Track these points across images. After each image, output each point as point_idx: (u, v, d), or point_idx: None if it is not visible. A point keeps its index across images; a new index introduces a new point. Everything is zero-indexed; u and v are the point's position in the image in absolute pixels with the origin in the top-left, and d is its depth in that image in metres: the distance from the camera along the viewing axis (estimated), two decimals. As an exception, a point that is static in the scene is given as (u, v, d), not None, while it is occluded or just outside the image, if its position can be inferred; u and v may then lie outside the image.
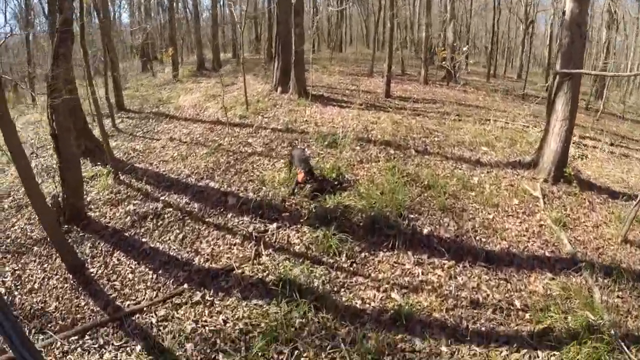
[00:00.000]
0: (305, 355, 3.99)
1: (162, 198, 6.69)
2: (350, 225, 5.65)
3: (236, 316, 4.45)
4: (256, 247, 5.41)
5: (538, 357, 4.06)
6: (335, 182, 6.58)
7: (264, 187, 6.55)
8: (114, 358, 4.19)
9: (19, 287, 5.42)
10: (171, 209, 6.36)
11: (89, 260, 5.66)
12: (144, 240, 5.84)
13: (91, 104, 7.67)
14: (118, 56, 16.27)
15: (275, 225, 5.79)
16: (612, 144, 9.82)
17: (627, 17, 20.59)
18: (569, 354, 3.99)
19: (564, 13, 7.00)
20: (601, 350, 3.94)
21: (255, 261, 5.21)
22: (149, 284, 5.11)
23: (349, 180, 6.68)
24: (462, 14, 24.52)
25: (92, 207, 6.80)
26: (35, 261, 5.83)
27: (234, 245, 5.51)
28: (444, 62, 15.66)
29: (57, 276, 5.46)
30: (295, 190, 6.33)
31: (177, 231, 5.90)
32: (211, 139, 8.77)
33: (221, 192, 6.58)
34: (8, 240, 6.32)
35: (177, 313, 4.58)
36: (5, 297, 5.15)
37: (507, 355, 4.07)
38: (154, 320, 4.54)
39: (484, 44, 30.49)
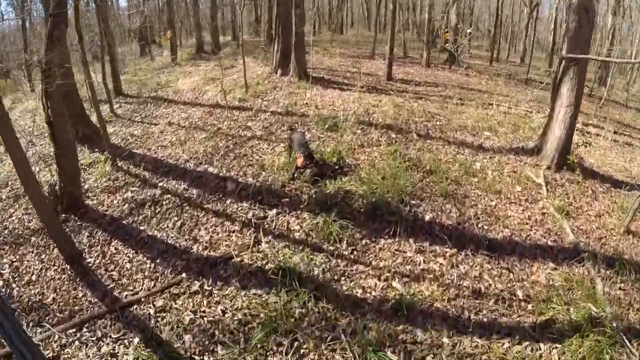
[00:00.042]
0: (305, 346, 3.94)
1: (161, 184, 6.57)
2: (351, 211, 5.55)
3: (235, 306, 4.39)
4: (255, 234, 5.30)
5: (540, 349, 4.02)
6: (336, 167, 6.46)
7: (263, 172, 6.42)
8: (111, 351, 4.14)
9: (16, 279, 5.35)
10: (169, 196, 6.25)
11: (86, 250, 5.57)
12: (141, 228, 5.74)
13: (88, 90, 7.43)
14: (116, 40, 16.02)
15: (274, 211, 5.68)
16: (615, 132, 9.68)
17: (633, 3, 20.14)
18: (571, 347, 3.94)
19: (571, -3, 6.80)
20: (603, 343, 3.89)
21: (254, 249, 5.11)
22: (146, 273, 5.02)
23: (350, 165, 6.55)
24: (465, -4, 23.98)
25: (90, 195, 6.69)
26: (32, 252, 5.75)
27: (233, 232, 5.41)
28: (447, 45, 15.33)
29: (55, 267, 5.39)
30: (295, 175, 6.20)
31: (176, 218, 5.80)
32: (210, 123, 8.61)
33: (220, 177, 6.45)
34: (6, 232, 6.22)
35: (175, 303, 4.51)
36: (3, 290, 5.10)
37: (509, 347, 4.03)
38: (151, 311, 4.47)
39: (487, 28, 29.95)
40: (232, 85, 10.78)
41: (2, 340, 3.73)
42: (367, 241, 5.22)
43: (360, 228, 5.35)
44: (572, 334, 4.04)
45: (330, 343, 3.97)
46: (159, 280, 4.89)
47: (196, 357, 3.94)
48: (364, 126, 7.89)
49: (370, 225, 5.41)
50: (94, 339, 4.29)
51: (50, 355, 4.15)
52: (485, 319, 4.30)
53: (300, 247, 5.09)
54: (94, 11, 13.62)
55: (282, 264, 4.76)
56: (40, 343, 4.23)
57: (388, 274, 4.76)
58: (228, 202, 5.93)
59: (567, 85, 6.87)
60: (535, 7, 20.40)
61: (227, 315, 4.30)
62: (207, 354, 3.95)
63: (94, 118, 8.45)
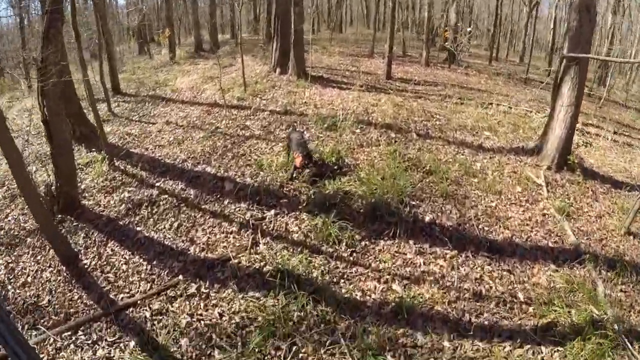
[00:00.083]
0: (303, 350, 3.86)
1: (158, 184, 6.49)
2: (351, 212, 5.48)
3: (232, 309, 4.31)
4: (253, 236, 5.23)
5: (542, 352, 3.96)
6: (335, 167, 6.39)
7: (261, 172, 6.35)
8: (107, 355, 4.05)
9: (12, 280, 5.26)
10: (166, 196, 6.17)
11: (82, 251, 5.49)
12: (138, 229, 5.66)
13: (85, 89, 7.36)
14: (114, 39, 15.98)
15: (273, 212, 5.61)
16: (615, 132, 9.64)
17: (633, 2, 20.09)
18: (572, 350, 3.89)
19: (573, -5, 6.75)
20: (605, 346, 3.84)
21: (252, 250, 5.04)
22: (143, 275, 4.94)
23: (349, 165, 6.48)
24: (465, -5, 23.88)
25: (87, 195, 6.61)
26: (28, 253, 5.66)
27: (231, 233, 5.33)
28: (446, 43, 15.28)
29: (51, 268, 5.30)
30: (294, 175, 6.13)
31: (172, 219, 5.72)
32: (208, 122, 8.54)
33: (218, 177, 6.37)
34: (1, 232, 6.11)
35: (172, 306, 4.43)
36: (-1, 292, 5.02)
37: (511, 350, 3.97)
38: (148, 314, 4.39)
39: (486, 27, 29.91)
40: (231, 84, 10.72)
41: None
42: (367, 243, 5.15)
43: (360, 229, 5.28)
44: (574, 336, 3.98)
45: (330, 347, 3.89)
46: (155, 282, 4.81)
47: (193, 362, 3.88)
48: (363, 125, 7.83)
49: (370, 226, 5.34)
50: (89, 342, 4.21)
51: (46, 358, 4.08)
52: (486, 322, 4.24)
53: (299, 249, 5.01)
54: (92, 9, 13.55)
55: (280, 266, 4.68)
56: (35, 346, 4.15)
57: (388, 276, 4.70)
58: (226, 202, 5.86)
59: (567, 85, 6.83)
60: (534, 6, 20.32)
61: (224, 318, 4.22)
62: (204, 358, 3.87)
63: (91, 117, 8.34)
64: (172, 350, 3.96)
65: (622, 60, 14.60)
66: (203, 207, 5.84)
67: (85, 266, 5.23)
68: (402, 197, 5.67)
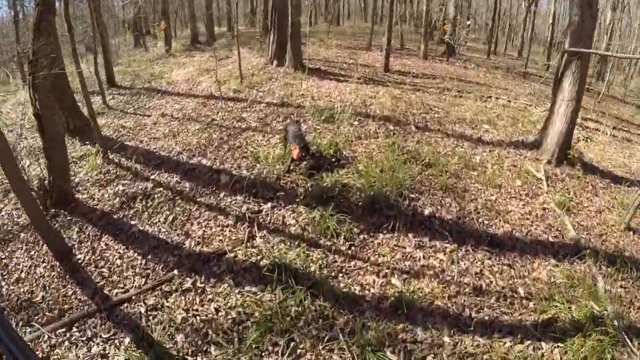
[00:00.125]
0: (301, 346, 3.78)
1: (152, 177, 6.36)
2: (349, 205, 5.38)
3: (229, 304, 4.21)
4: (249, 229, 5.12)
5: (542, 348, 3.91)
6: (333, 159, 6.29)
7: (258, 165, 6.24)
8: (102, 352, 3.95)
9: (5, 276, 5.15)
10: (161, 189, 6.04)
11: (76, 246, 5.37)
12: (132, 222, 5.54)
13: (79, 81, 7.21)
14: (109, 31, 15.80)
15: (269, 205, 5.50)
16: (614, 128, 9.59)
17: (632, -1, 20.02)
18: (573, 346, 3.84)
19: (574, -10, 6.65)
20: (605, 343, 3.79)
21: (248, 244, 4.93)
22: (137, 270, 4.83)
23: (347, 157, 6.38)
24: (464, -12, 23.71)
25: (80, 188, 6.47)
26: (22, 248, 5.53)
27: (226, 226, 5.22)
28: (446, 36, 15.15)
29: (44, 264, 5.19)
30: (291, 168, 6.03)
31: (167, 212, 5.59)
32: (204, 114, 8.40)
33: (213, 169, 6.25)
34: (-5, 228, 5.98)
35: (167, 302, 4.33)
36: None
37: (511, 346, 3.91)
38: (142, 310, 4.28)
39: (485, 21, 29.77)
40: (227, 76, 10.57)
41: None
42: (365, 236, 5.06)
43: (358, 222, 5.19)
44: (574, 333, 3.93)
45: (328, 343, 3.81)
46: (150, 277, 4.70)
47: (189, 358, 3.76)
48: (361, 118, 7.73)
49: (369, 219, 5.25)
50: (84, 339, 4.11)
51: (41, 356, 3.97)
52: (486, 317, 4.18)
53: (296, 243, 4.91)
54: (86, 1, 13.37)
55: (277, 260, 4.58)
56: (30, 343, 4.05)
57: (387, 270, 4.62)
58: (221, 195, 5.74)
59: (568, 80, 6.78)
60: (533, 1, 20.21)
61: (220, 313, 4.12)
62: (200, 354, 3.78)
63: (85, 110, 8.21)
64: (167, 346, 3.86)
65: (624, 55, 14.47)
66: (198, 200, 5.72)
67: (79, 261, 5.11)
68: (401, 190, 5.59)
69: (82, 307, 4.49)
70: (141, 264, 4.90)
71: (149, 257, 4.95)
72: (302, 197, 5.54)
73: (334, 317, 4.05)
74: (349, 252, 4.85)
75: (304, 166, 5.98)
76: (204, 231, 5.20)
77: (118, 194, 6.13)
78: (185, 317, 4.12)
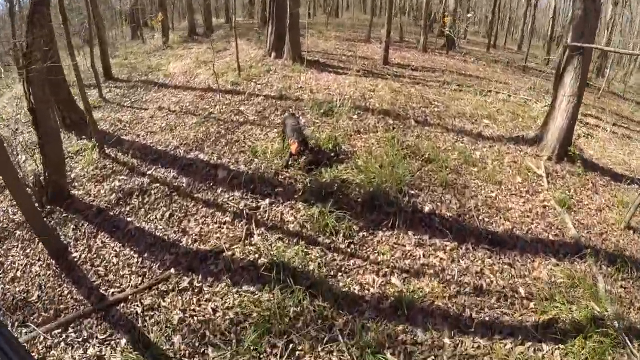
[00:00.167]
0: (300, 348, 3.72)
1: (149, 173, 6.25)
2: (348, 202, 5.30)
3: (226, 305, 4.13)
4: (247, 226, 5.03)
5: (543, 350, 3.87)
6: (332, 154, 6.19)
7: (256, 159, 6.14)
8: (98, 353, 3.89)
9: (1, 275, 5.07)
10: (158, 185, 5.94)
11: (72, 244, 5.27)
12: (129, 219, 5.44)
13: (75, 75, 7.05)
14: (107, 24, 15.60)
15: (268, 201, 5.41)
16: (614, 124, 9.54)
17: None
18: (574, 348, 3.80)
19: (578, -16, 6.54)
20: (606, 345, 3.76)
21: (246, 242, 4.85)
22: (134, 269, 4.75)
23: (347, 152, 6.29)
24: (464, -19, 23.45)
25: (77, 184, 6.35)
26: (17, 246, 5.44)
27: (224, 224, 5.13)
28: (446, 29, 14.98)
29: (40, 262, 5.09)
30: (290, 163, 5.93)
31: (164, 209, 5.49)
32: (202, 107, 8.27)
33: (211, 165, 6.14)
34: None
35: (164, 302, 4.25)
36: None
37: (512, 348, 3.88)
38: (139, 310, 4.21)
39: (485, 14, 29.53)
40: (225, 68, 10.42)
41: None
42: (365, 234, 4.99)
43: (358, 220, 5.11)
44: (575, 334, 3.90)
45: (327, 345, 3.75)
46: (146, 276, 4.62)
47: (186, 360, 3.72)
48: (360, 111, 7.62)
49: (368, 216, 5.17)
50: (80, 340, 4.04)
51: (37, 357, 3.90)
52: (487, 318, 4.13)
53: (295, 240, 4.84)
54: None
55: (275, 258, 4.50)
56: (25, 345, 3.99)
57: (387, 270, 4.56)
58: (219, 191, 5.64)
59: (570, 75, 6.68)
60: (534, -5, 20.06)
61: (218, 314, 4.05)
62: (197, 356, 3.72)
63: (82, 104, 8.06)
64: (164, 348, 3.80)
65: (626, 51, 14.35)
66: (196, 196, 5.62)
67: (75, 259, 5.03)
68: (401, 186, 5.51)
69: (78, 307, 4.42)
70: (138, 262, 4.81)
71: (146, 255, 4.87)
72: (300, 194, 5.46)
73: (333, 318, 3.99)
74: (349, 250, 4.78)
75: (302, 161, 5.87)
76: (202, 228, 5.11)
77: (114, 190, 6.02)
78: (183, 318, 4.05)
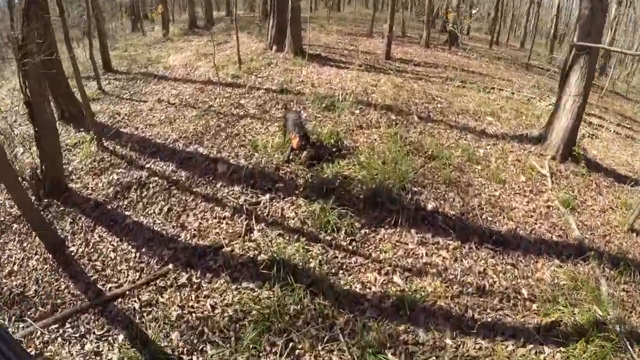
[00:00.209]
0: (300, 347, 3.65)
1: (148, 166, 6.13)
2: (350, 198, 5.21)
3: (225, 301, 4.06)
4: (247, 222, 4.95)
5: (544, 352, 3.82)
6: (334, 149, 6.11)
7: (256, 154, 6.04)
8: (95, 349, 3.82)
9: None
10: (156, 178, 5.82)
11: (69, 237, 5.18)
12: (127, 213, 5.35)
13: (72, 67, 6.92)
14: (106, 16, 15.41)
15: (268, 196, 5.32)
16: (618, 125, 9.46)
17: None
18: (575, 352, 3.76)
19: (584, -18, 6.43)
20: (607, 349, 3.71)
21: (246, 237, 4.76)
22: (131, 263, 4.66)
23: (348, 147, 6.20)
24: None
25: (74, 177, 6.24)
26: (14, 240, 5.34)
27: (223, 219, 5.04)
28: (450, 25, 14.83)
29: (37, 256, 5.00)
30: (290, 157, 5.83)
31: (163, 203, 5.39)
32: (201, 100, 8.13)
33: (210, 158, 6.03)
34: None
35: (162, 297, 4.17)
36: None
37: (514, 349, 3.82)
38: (137, 306, 4.13)
39: (487, 10, 29.33)
40: (225, 61, 10.27)
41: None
42: (367, 231, 4.91)
43: (360, 216, 5.03)
44: (577, 337, 3.85)
45: (328, 344, 3.69)
46: (144, 271, 4.53)
47: (184, 357, 3.63)
48: (362, 106, 7.52)
49: (370, 213, 5.09)
50: (77, 335, 3.97)
51: (34, 353, 3.83)
52: (489, 319, 4.08)
53: (296, 237, 4.75)
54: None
55: (275, 255, 4.42)
56: (22, 339, 3.93)
57: (389, 268, 4.49)
58: (218, 185, 5.54)
59: (576, 74, 6.58)
60: (538, -9, 19.89)
61: (216, 311, 3.98)
62: (195, 353, 3.65)
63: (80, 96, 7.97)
64: (162, 345, 3.72)
65: (634, 52, 14.16)
66: (194, 190, 5.52)
67: (72, 253, 4.94)
68: (404, 183, 5.42)
69: (75, 302, 4.34)
70: (135, 257, 4.73)
71: (144, 250, 4.78)
72: (301, 189, 5.37)
73: (334, 317, 3.93)
74: (350, 247, 4.71)
75: (303, 156, 5.77)
76: (200, 223, 5.02)
77: (112, 183, 5.92)
78: (181, 314, 3.98)
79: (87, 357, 3.76)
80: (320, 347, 3.67)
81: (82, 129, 7.48)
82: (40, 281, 4.68)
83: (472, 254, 4.78)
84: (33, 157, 6.13)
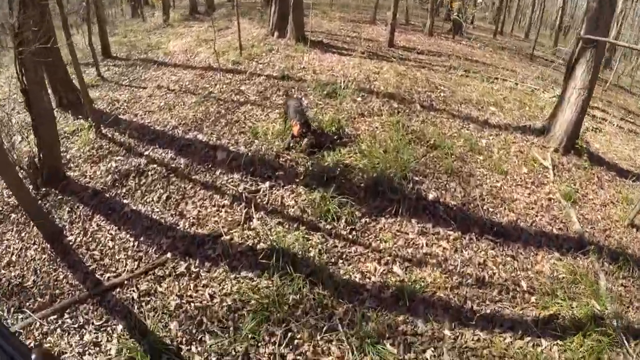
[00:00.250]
0: (299, 337, 3.64)
1: (146, 153, 6.04)
2: (351, 187, 5.16)
3: (224, 291, 4.03)
4: (246, 210, 4.90)
5: (541, 345, 3.82)
6: (335, 137, 6.04)
7: (256, 141, 5.97)
8: (94, 340, 3.78)
9: None
10: (155, 166, 5.74)
11: (67, 227, 5.10)
12: (125, 201, 5.28)
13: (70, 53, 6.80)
14: (105, 1, 15.27)
15: (267, 184, 5.27)
16: (621, 119, 9.39)
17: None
18: (572, 345, 3.75)
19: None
20: (604, 343, 3.71)
21: (245, 226, 4.71)
22: (129, 252, 4.61)
23: (350, 135, 6.14)
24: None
25: (72, 165, 6.14)
26: (12, 230, 5.26)
27: (222, 207, 4.98)
28: (454, 13, 14.62)
29: (35, 246, 4.94)
30: (291, 145, 5.77)
31: (161, 191, 5.32)
32: (201, 86, 8.03)
33: (210, 145, 5.95)
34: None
35: (160, 287, 4.13)
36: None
37: (511, 342, 3.82)
38: (135, 296, 4.09)
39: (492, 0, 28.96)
40: (226, 47, 10.13)
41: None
42: (367, 220, 4.87)
43: (360, 205, 4.98)
44: (575, 331, 3.83)
45: (326, 333, 3.67)
46: (142, 260, 4.48)
47: (183, 347, 3.61)
48: (364, 94, 7.45)
49: (371, 202, 5.04)
50: (75, 326, 3.93)
51: (32, 344, 3.80)
52: (488, 311, 4.07)
53: (295, 225, 4.70)
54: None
55: (275, 243, 4.38)
56: (21, 331, 3.91)
57: (389, 258, 4.47)
58: (218, 173, 5.48)
59: (582, 67, 6.53)
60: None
61: (215, 300, 3.95)
62: (194, 343, 3.63)
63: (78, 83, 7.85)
64: (161, 334, 3.69)
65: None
66: (193, 177, 5.45)
67: (70, 243, 4.88)
68: (405, 172, 5.37)
69: (73, 292, 4.30)
70: (133, 246, 4.67)
71: (142, 238, 4.72)
72: (302, 177, 5.31)
73: (333, 307, 3.90)
74: (350, 236, 4.67)
75: (304, 143, 5.70)
76: (199, 211, 4.97)
77: (110, 170, 5.83)
78: (179, 304, 3.94)
79: (86, 348, 3.74)
80: (319, 337, 3.65)
81: (80, 116, 7.36)
82: (38, 271, 4.64)
83: (473, 245, 4.76)
84: (30, 145, 6.03)
